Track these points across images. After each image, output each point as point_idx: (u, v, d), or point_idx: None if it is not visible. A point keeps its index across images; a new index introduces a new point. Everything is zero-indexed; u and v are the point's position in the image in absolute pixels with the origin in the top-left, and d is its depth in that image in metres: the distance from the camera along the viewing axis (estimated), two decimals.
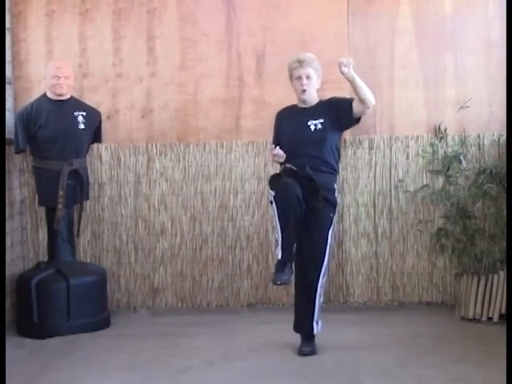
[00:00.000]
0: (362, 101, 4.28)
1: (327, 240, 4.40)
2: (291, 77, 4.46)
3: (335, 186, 4.47)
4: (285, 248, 4.30)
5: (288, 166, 4.35)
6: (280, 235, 4.29)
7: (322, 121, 4.39)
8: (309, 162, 4.33)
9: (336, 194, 4.47)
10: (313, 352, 4.40)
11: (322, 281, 4.42)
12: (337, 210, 4.50)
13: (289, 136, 4.45)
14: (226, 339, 4.76)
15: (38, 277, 4.97)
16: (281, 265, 4.29)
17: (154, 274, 5.62)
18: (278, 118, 4.61)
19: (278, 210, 4.26)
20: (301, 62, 4.39)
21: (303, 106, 4.49)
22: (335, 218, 4.49)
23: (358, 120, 4.45)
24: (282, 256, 4.29)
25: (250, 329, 4.98)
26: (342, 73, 4.18)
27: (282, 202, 4.24)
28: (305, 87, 4.40)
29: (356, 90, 4.27)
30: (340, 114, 4.40)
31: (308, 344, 4.42)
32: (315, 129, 4.39)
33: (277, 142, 4.52)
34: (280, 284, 4.33)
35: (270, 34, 5.49)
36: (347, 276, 5.54)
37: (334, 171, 4.46)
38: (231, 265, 5.59)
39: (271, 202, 4.32)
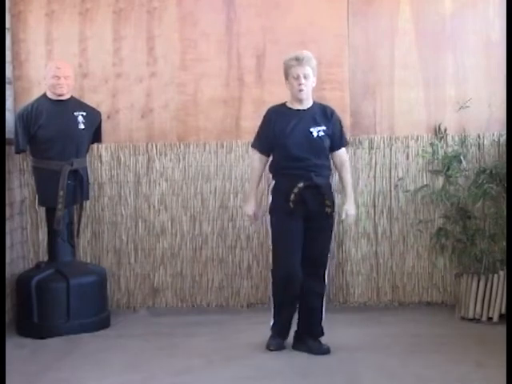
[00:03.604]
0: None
1: (330, 240, 4.46)
2: (287, 75, 4.34)
3: (333, 185, 4.53)
4: (278, 323, 4.47)
5: (296, 190, 4.27)
6: (273, 310, 4.48)
7: (324, 128, 4.34)
8: (312, 168, 4.30)
9: (333, 192, 4.49)
10: (328, 350, 4.37)
11: (326, 281, 4.44)
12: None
13: (290, 141, 4.31)
14: (226, 339, 4.76)
15: (38, 277, 4.97)
16: (273, 333, 4.48)
17: (154, 273, 5.61)
18: (269, 118, 4.42)
19: (273, 289, 4.47)
20: (299, 61, 4.28)
21: (298, 107, 4.38)
22: (335, 216, 4.51)
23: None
24: (273, 325, 4.48)
25: (250, 329, 4.96)
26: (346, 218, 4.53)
27: (282, 288, 4.38)
28: (303, 87, 4.29)
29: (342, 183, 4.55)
30: (333, 139, 4.41)
31: (320, 342, 4.40)
32: (317, 136, 4.32)
33: (266, 142, 4.40)
34: (274, 349, 4.42)
35: (270, 34, 5.49)
36: (347, 276, 5.54)
37: (330, 170, 4.46)
38: (231, 265, 5.58)
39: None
